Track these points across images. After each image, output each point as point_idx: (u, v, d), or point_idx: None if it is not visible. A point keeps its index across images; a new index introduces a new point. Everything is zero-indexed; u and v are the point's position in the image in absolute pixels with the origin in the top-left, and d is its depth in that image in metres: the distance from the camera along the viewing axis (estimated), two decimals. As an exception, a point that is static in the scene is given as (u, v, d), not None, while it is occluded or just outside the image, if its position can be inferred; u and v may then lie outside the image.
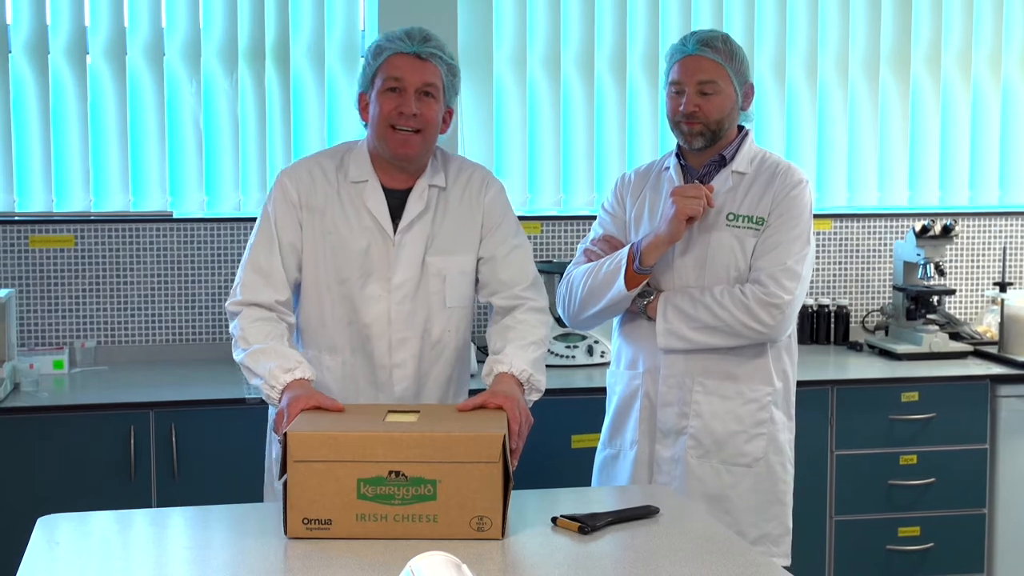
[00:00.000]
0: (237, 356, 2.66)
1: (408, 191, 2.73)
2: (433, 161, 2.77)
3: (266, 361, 2.57)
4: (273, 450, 2.84)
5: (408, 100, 2.64)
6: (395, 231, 2.71)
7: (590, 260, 2.99)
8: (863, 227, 4.66)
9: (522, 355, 2.63)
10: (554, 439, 3.69)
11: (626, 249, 2.89)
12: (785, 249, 2.85)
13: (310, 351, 2.77)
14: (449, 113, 2.75)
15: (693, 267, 2.91)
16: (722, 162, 2.95)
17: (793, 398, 3.01)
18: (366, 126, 2.74)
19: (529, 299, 2.75)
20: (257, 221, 2.77)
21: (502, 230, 2.79)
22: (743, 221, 2.89)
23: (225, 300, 2.69)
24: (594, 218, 3.15)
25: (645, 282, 2.89)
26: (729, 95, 2.89)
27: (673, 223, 2.82)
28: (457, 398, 2.81)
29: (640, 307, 2.93)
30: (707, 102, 2.87)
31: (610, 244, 3.00)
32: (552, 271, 4.15)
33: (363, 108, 2.74)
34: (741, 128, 3.00)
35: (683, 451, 2.93)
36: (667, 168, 3.02)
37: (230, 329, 2.72)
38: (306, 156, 2.85)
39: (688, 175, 2.98)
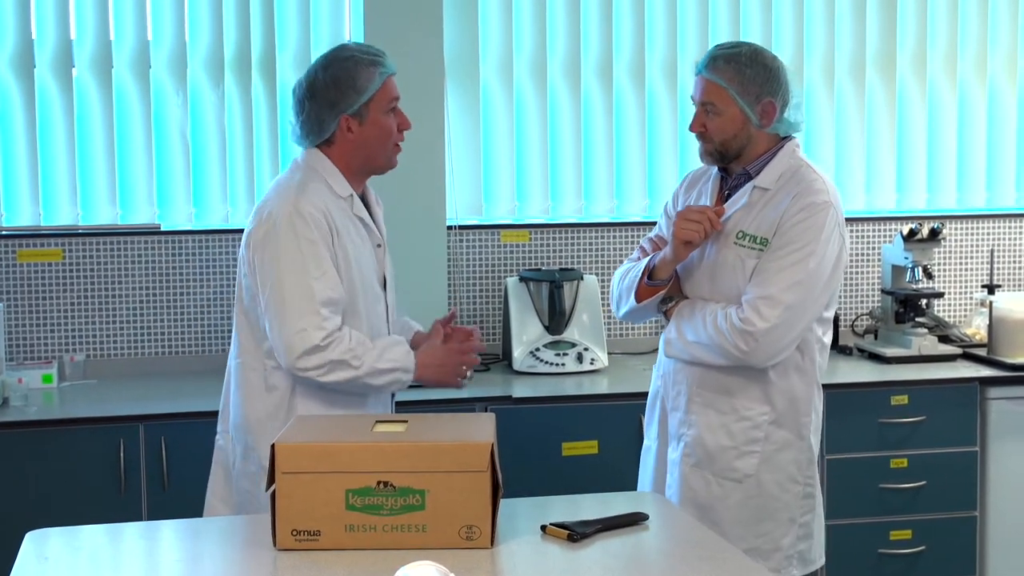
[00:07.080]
0: (348, 374, 2.69)
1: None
2: None
3: (388, 353, 2.75)
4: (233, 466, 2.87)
5: (404, 116, 2.84)
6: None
7: (640, 257, 3.05)
8: (851, 231, 4.64)
9: None
10: (544, 446, 3.69)
11: (645, 261, 2.96)
12: (772, 276, 2.79)
13: None
14: None
15: (707, 280, 2.93)
16: (748, 176, 2.92)
17: (811, 419, 2.93)
18: (328, 143, 2.79)
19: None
20: (289, 253, 2.68)
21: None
22: (748, 241, 2.85)
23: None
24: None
25: (664, 291, 2.92)
26: (731, 116, 2.84)
27: (673, 244, 2.87)
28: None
29: (661, 311, 2.98)
30: (710, 122, 2.87)
31: (656, 245, 3.06)
32: (540, 279, 4.14)
33: (347, 129, 2.77)
34: (784, 138, 2.92)
35: (680, 457, 2.95)
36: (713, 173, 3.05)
37: (320, 360, 2.66)
38: (292, 185, 2.77)
39: (724, 183, 2.99)
